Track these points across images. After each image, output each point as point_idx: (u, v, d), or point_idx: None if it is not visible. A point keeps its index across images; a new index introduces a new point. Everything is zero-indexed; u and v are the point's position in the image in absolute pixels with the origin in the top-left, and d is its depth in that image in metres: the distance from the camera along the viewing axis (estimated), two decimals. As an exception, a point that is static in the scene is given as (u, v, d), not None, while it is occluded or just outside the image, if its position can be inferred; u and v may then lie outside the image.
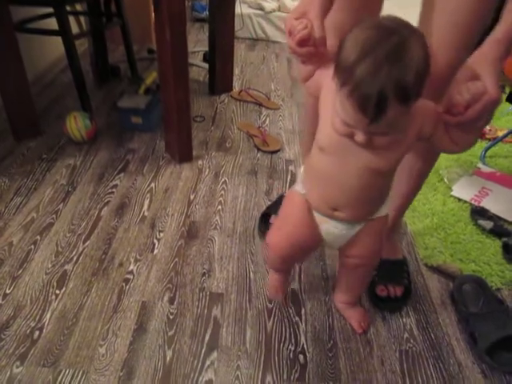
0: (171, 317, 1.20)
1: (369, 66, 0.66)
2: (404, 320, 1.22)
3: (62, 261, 1.36)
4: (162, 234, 1.47)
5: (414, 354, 1.14)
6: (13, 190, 1.64)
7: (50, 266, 1.34)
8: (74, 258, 1.36)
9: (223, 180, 1.73)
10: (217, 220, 1.54)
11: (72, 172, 1.75)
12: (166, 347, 1.12)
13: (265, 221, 1.48)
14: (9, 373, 1.06)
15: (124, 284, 1.28)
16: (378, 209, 0.97)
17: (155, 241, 1.44)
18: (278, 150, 1.94)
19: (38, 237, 1.44)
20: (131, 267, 1.34)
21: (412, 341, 1.17)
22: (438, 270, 1.37)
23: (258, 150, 1.93)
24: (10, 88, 1.82)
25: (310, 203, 0.98)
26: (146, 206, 1.58)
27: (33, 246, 1.41)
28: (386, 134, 0.77)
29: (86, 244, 1.42)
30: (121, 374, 1.06)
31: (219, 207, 1.60)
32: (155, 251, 1.40)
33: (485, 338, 1.13)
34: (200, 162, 1.83)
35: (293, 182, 1.73)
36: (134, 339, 1.13)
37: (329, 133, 0.83)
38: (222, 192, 1.67)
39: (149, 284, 1.28)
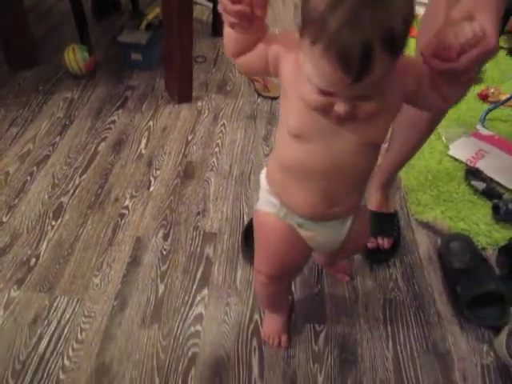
0: (164, 253, 1.23)
1: (345, 13, 0.54)
2: (390, 271, 1.26)
3: (59, 193, 1.37)
4: (158, 172, 1.47)
5: (397, 302, 1.18)
6: (8, 120, 1.63)
7: (46, 197, 1.35)
8: (71, 191, 1.38)
9: (222, 123, 1.72)
10: (213, 162, 1.54)
11: (69, 105, 1.73)
12: (159, 281, 1.16)
13: (247, 238, 1.26)
14: (7, 296, 1.10)
15: (119, 219, 1.30)
16: (364, 191, 0.86)
17: (151, 178, 1.45)
18: (278, 97, 1.91)
19: (35, 168, 1.45)
20: (127, 203, 1.35)
21: (396, 290, 1.21)
22: (427, 226, 1.40)
23: (259, 95, 1.90)
24: (6, 13, 1.76)
25: (289, 223, 0.83)
26: (143, 144, 1.58)
27: (29, 177, 1.41)
28: (371, 97, 0.64)
29: (83, 178, 1.42)
30: (114, 303, 1.10)
31: (216, 149, 1.60)
32: (151, 188, 1.41)
33: (466, 293, 1.17)
34: (199, 104, 1.81)
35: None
36: (128, 272, 1.17)
37: (301, 114, 0.69)
38: (220, 134, 1.67)
39: (144, 220, 1.31)
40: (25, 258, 1.18)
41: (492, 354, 1.09)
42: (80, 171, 1.45)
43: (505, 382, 1.05)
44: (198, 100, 1.83)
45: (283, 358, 1.04)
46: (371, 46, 0.54)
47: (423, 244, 1.35)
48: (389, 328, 1.12)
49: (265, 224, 0.86)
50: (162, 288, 1.14)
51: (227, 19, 0.66)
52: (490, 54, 0.64)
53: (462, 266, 1.23)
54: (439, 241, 1.34)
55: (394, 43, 0.56)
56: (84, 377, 0.97)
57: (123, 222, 1.29)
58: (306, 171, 0.75)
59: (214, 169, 1.52)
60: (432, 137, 1.72)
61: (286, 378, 1.01)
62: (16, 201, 1.33)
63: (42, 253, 1.20)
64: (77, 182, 1.41)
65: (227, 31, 0.69)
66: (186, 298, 1.13)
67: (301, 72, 0.64)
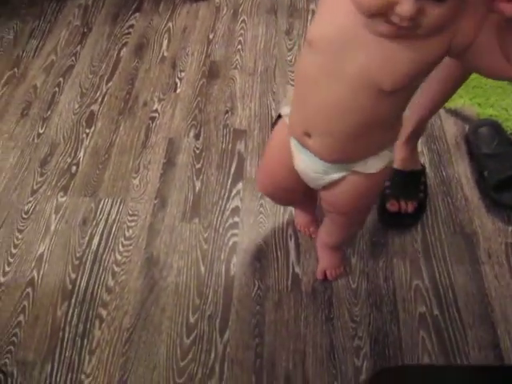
0: (197, 151, 1.27)
1: None
2: (419, 158, 1.27)
3: (88, 101, 1.39)
4: (183, 74, 1.47)
5: (425, 188, 1.21)
6: (27, 32, 1.61)
7: (76, 106, 1.38)
8: (99, 99, 1.40)
9: (242, 19, 1.67)
10: (237, 59, 1.52)
11: (85, 12, 1.68)
12: (195, 178, 1.21)
13: None
14: (55, 202, 1.17)
15: (150, 122, 1.33)
16: (363, 155, 0.73)
17: (177, 80, 1.45)
18: (299, -13, 1.82)
19: (61, 79, 1.46)
20: (155, 106, 1.37)
21: (423, 178, 1.23)
22: (455, 113, 1.38)
23: (278, -14, 1.81)
24: None
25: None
26: (164, 46, 1.55)
27: (57, 89, 1.43)
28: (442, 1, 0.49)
29: (109, 85, 1.43)
30: (155, 202, 1.16)
31: (239, 47, 1.56)
32: (178, 90, 1.42)
33: (493, 176, 1.19)
34: (217, 0, 1.74)
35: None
36: (165, 172, 1.22)
37: (330, 23, 0.60)
38: (242, 31, 1.62)
39: (174, 121, 1.33)
40: (66, 166, 1.24)
41: (517, 233, 1.14)
42: (106, 78, 1.45)
43: (527, 258, 1.10)
44: (215, -4, 1.76)
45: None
46: None
47: (451, 131, 1.35)
48: (417, 212, 1.17)
49: (277, 125, 0.84)
50: (198, 185, 1.20)
51: None
52: None
53: (489, 151, 1.23)
54: (467, 128, 1.33)
55: None
56: (136, 268, 1.06)
57: (154, 124, 1.32)
58: (301, 81, 0.70)
59: (238, 66, 1.50)
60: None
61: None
62: (48, 112, 1.37)
63: (80, 160, 1.25)
64: (104, 90, 1.42)
65: None
66: (222, 192, 1.19)
67: None
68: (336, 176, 0.76)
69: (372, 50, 0.57)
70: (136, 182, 1.20)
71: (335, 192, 0.80)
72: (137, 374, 0.94)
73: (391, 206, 1.14)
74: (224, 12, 1.69)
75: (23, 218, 1.15)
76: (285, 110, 0.80)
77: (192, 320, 1.00)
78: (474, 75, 1.46)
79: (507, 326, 1.01)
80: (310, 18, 1.68)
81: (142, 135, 1.30)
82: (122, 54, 1.53)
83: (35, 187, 1.21)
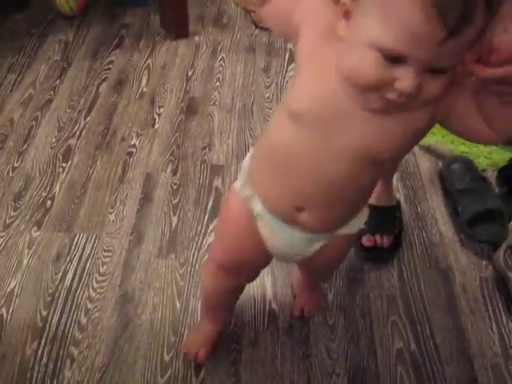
0: (175, 187, 1.27)
1: None
2: (393, 194, 1.30)
3: (66, 136, 1.39)
4: (161, 110, 1.48)
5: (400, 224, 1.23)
6: (5, 67, 1.61)
7: (53, 140, 1.38)
8: (77, 133, 1.40)
9: (221, 57, 1.70)
10: (216, 96, 1.54)
11: (65, 48, 1.70)
12: (172, 214, 1.21)
13: None
14: (28, 236, 1.15)
15: (127, 157, 1.33)
16: (351, 218, 0.72)
17: (155, 116, 1.46)
18: (276, 27, 1.88)
19: (39, 113, 1.46)
20: (133, 141, 1.38)
21: (398, 213, 1.25)
22: (429, 150, 1.42)
23: (256, 26, 1.86)
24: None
25: (251, 209, 0.71)
26: (144, 82, 1.57)
27: (34, 122, 1.43)
28: (442, 74, 0.50)
29: (87, 119, 1.44)
30: (131, 237, 1.15)
31: (217, 83, 1.59)
32: (156, 126, 1.43)
33: (466, 211, 1.21)
34: (197, 38, 1.78)
35: (292, 61, 1.70)
36: (141, 207, 1.21)
37: (315, 94, 0.57)
38: (220, 69, 1.65)
39: (151, 157, 1.34)
40: (41, 200, 1.23)
41: (490, 267, 1.15)
42: (84, 113, 1.46)
43: (501, 292, 1.11)
44: (195, 35, 1.80)
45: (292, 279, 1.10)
46: None
47: (425, 167, 1.38)
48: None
49: (228, 201, 0.77)
50: (175, 220, 1.19)
51: None
52: None
53: (462, 186, 1.26)
54: (440, 164, 1.37)
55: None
56: (110, 305, 1.04)
57: (131, 159, 1.33)
58: (285, 157, 0.64)
59: (217, 103, 1.52)
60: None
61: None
62: (25, 146, 1.36)
63: (56, 194, 1.24)
64: (82, 125, 1.42)
65: None
66: (199, 228, 1.18)
67: (334, 40, 0.53)
68: (318, 246, 0.73)
69: (364, 124, 0.56)
70: (112, 217, 1.19)
71: (315, 261, 0.76)
72: (108, 417, 0.90)
73: (367, 241, 1.15)
74: (203, 50, 1.73)
75: (-6, 254, 1.12)
76: (238, 184, 0.73)
77: (167, 358, 0.97)
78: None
79: (484, 360, 1.01)
80: (287, 56, 1.73)
81: (119, 170, 1.30)
82: (101, 89, 1.54)
83: (8, 221, 1.18)
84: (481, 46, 0.48)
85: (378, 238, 1.15)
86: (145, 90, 1.55)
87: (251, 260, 0.79)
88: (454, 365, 1.00)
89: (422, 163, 1.39)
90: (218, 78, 1.61)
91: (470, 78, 0.53)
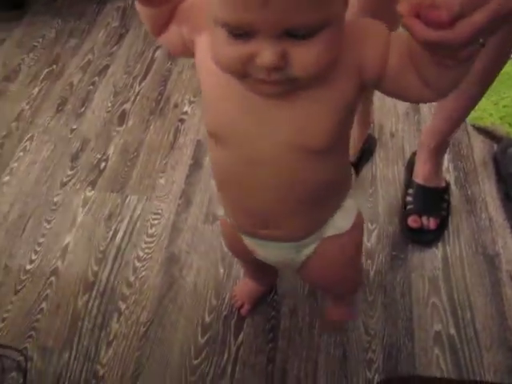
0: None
1: None
2: (444, 175, 1.27)
3: (121, 100, 1.43)
4: (214, 79, 1.50)
5: (449, 206, 1.20)
6: (66, 31, 1.67)
7: (109, 105, 1.42)
8: (132, 98, 1.44)
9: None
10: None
11: (123, 14, 1.74)
12: (220, 182, 1.23)
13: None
14: (83, 195, 1.21)
15: (179, 123, 1.36)
16: (329, 214, 0.65)
17: None
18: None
19: (96, 78, 1.51)
20: (186, 108, 1.40)
21: (446, 196, 1.22)
22: (484, 132, 1.37)
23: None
24: None
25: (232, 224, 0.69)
26: (198, 51, 1.59)
27: (92, 87, 1.48)
28: (310, 39, 0.42)
29: (142, 85, 1.47)
30: (179, 201, 1.19)
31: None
32: None
33: (519, 197, 1.18)
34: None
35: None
36: (191, 173, 1.25)
37: (219, 107, 0.53)
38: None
39: (203, 124, 1.35)
40: (95, 162, 1.28)
41: (542, 257, 1.12)
42: (139, 79, 1.49)
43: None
44: None
45: (336, 253, 1.11)
46: None
47: (478, 149, 1.33)
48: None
49: (221, 227, 0.78)
50: (222, 189, 1.22)
51: None
52: (509, 16, 0.37)
53: None
54: (495, 147, 1.32)
55: None
56: (156, 266, 1.09)
57: (183, 126, 1.35)
58: (226, 179, 0.60)
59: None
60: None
61: (339, 270, 1.08)
62: (82, 109, 1.41)
63: (110, 156, 1.29)
64: (137, 90, 1.46)
65: (137, 7, 0.53)
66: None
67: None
68: (308, 251, 0.68)
69: (275, 115, 0.50)
70: (162, 181, 1.23)
71: (315, 266, 0.70)
72: (151, 369, 0.96)
73: (413, 221, 1.13)
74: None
75: (51, 210, 1.19)
76: (220, 211, 0.71)
77: (208, 320, 1.01)
78: (505, 93, 1.46)
79: (526, 351, 0.99)
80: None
81: (171, 136, 1.33)
82: (156, 55, 1.57)
83: (65, 180, 1.25)
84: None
85: (424, 219, 1.13)
86: (199, 58, 1.57)
87: (259, 265, 0.78)
88: (493, 352, 0.99)
89: (476, 145, 1.34)
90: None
91: (400, 33, 0.45)
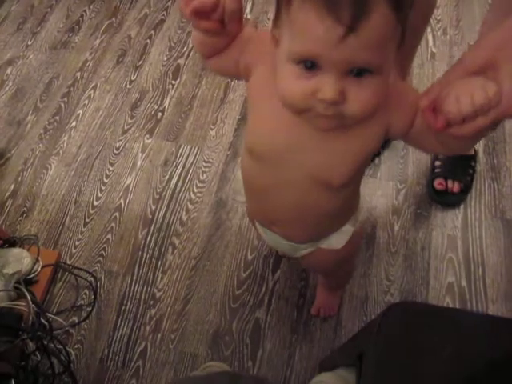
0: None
1: None
2: (473, 142, 1.36)
3: (175, 55, 1.55)
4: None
5: (474, 172, 1.30)
6: (123, -16, 1.75)
7: (165, 59, 1.54)
8: (186, 54, 1.55)
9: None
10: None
11: (177, -32, 1.81)
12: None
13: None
14: (142, 142, 1.36)
15: (229, 80, 1.47)
16: (326, 234, 0.77)
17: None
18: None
19: (152, 32, 1.61)
20: (236, 67, 1.51)
21: (473, 163, 1.29)
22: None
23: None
24: None
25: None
26: (248, 9, 1.65)
27: (148, 40, 1.59)
28: (371, 71, 0.48)
29: (196, 42, 1.57)
30: (228, 152, 1.33)
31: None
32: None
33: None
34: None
35: None
36: (238, 127, 1.37)
37: (264, 130, 0.61)
38: None
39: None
40: (153, 112, 1.42)
41: (557, 225, 1.22)
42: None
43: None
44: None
45: (367, 208, 1.24)
46: None
47: (510, 121, 1.40)
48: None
49: None
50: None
51: (193, 23, 0.54)
52: (507, 118, 0.48)
53: None
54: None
55: None
56: (207, 208, 1.24)
57: (233, 82, 1.46)
58: (250, 184, 0.72)
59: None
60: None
61: (367, 223, 1.21)
62: (140, 62, 1.53)
63: (166, 108, 1.42)
64: (190, 46, 1.56)
65: (193, 32, 0.59)
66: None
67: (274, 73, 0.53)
68: (304, 252, 0.81)
69: (312, 148, 0.59)
70: (213, 133, 1.36)
71: (310, 261, 0.86)
72: (199, 295, 1.13)
73: (438, 184, 1.23)
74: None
75: (114, 154, 1.35)
76: (242, 198, 0.86)
77: (250, 258, 1.17)
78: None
79: (528, 305, 1.12)
80: None
81: (222, 91, 1.45)
82: (209, 13, 1.65)
83: (126, 127, 1.39)
84: (438, 101, 0.50)
85: (449, 182, 1.23)
86: (249, 16, 1.65)
87: None
88: (498, 304, 1.11)
89: (509, 116, 1.41)
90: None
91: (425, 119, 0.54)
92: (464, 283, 1.15)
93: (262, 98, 0.59)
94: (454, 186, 1.23)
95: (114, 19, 1.65)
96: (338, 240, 0.78)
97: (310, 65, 0.48)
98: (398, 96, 0.56)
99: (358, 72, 0.48)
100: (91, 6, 1.69)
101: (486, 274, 1.15)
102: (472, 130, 0.49)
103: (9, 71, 1.53)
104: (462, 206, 1.25)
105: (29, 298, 1.03)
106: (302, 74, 0.49)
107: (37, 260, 1.10)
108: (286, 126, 0.57)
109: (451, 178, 1.23)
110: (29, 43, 1.60)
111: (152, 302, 1.12)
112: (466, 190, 1.25)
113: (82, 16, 1.67)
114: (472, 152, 1.28)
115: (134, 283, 1.15)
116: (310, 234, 0.76)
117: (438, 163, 1.26)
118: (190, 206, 1.25)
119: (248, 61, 0.59)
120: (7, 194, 1.29)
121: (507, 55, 0.47)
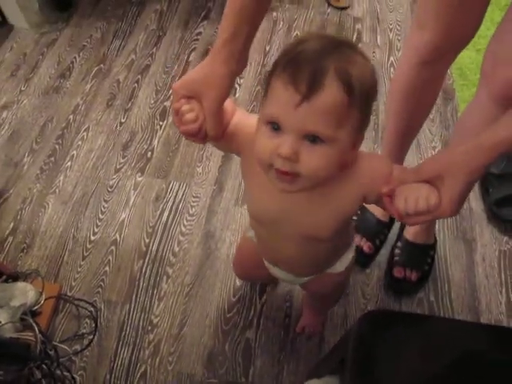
0: (251, 151, 1.54)
1: (315, 45, 0.57)
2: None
3: (162, 98, 1.68)
4: (241, 81, 1.73)
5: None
6: (111, 32, 1.88)
7: (152, 101, 1.67)
8: (171, 97, 1.64)
9: (295, 34, 1.91)
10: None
11: (160, 17, 1.95)
12: (247, 173, 1.48)
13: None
14: (134, 180, 1.47)
15: (214, 122, 1.60)
16: (326, 267, 0.89)
17: (236, 86, 1.70)
18: (348, 7, 2.03)
19: (139, 76, 1.74)
20: (219, 109, 1.64)
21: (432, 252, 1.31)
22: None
23: (329, 4, 2.03)
24: None
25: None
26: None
27: (136, 85, 1.72)
28: (323, 140, 0.57)
29: (180, 86, 1.71)
30: (214, 187, 1.45)
31: (291, 62, 1.81)
32: (236, 95, 1.69)
33: (497, 192, 1.39)
34: (274, 14, 1.98)
35: (358, 40, 1.88)
36: (223, 163, 1.50)
37: (259, 205, 0.74)
38: (294, 47, 1.86)
39: (233, 124, 1.60)
40: (143, 152, 1.53)
41: (511, 243, 1.36)
42: (177, 79, 1.71)
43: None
44: (273, 10, 1.99)
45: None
46: (325, 68, 0.54)
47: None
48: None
49: (245, 243, 1.02)
50: (249, 178, 1.47)
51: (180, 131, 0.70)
52: (442, 218, 0.64)
53: (497, 171, 1.42)
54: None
55: (350, 82, 0.55)
56: (197, 239, 1.35)
57: (217, 124, 1.59)
58: (257, 232, 0.87)
59: (289, 80, 1.74)
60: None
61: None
62: (129, 105, 1.66)
63: (155, 147, 1.54)
64: (175, 89, 1.69)
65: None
66: (269, 186, 1.46)
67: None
68: (307, 279, 0.92)
69: (299, 212, 0.70)
70: (199, 169, 1.48)
71: (312, 286, 0.96)
72: (194, 319, 1.23)
73: (397, 272, 1.26)
74: (280, 26, 1.94)
75: (108, 191, 1.45)
76: (250, 233, 0.94)
77: (238, 284, 1.28)
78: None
79: (489, 316, 1.25)
80: (355, 37, 1.90)
81: (206, 132, 1.57)
82: (191, 58, 1.80)
83: (118, 166, 1.50)
84: (394, 185, 0.63)
85: (408, 271, 1.25)
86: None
87: (264, 277, 1.03)
88: (463, 315, 1.24)
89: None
90: (292, 55, 1.82)
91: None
92: (432, 298, 1.27)
93: (252, 175, 0.71)
94: (412, 275, 1.26)
95: (102, 65, 1.77)
96: (340, 266, 0.89)
97: (276, 127, 0.58)
98: (372, 171, 0.66)
99: (313, 138, 0.57)
100: (81, 53, 1.81)
101: (452, 290, 1.29)
102: (414, 222, 0.64)
103: (4, 115, 1.63)
104: (427, 229, 1.38)
105: (36, 328, 1.11)
106: (271, 134, 0.59)
107: (41, 293, 1.19)
108: (276, 196, 0.67)
109: (409, 267, 1.26)
110: (22, 88, 1.70)
111: (150, 328, 1.21)
112: (423, 278, 1.28)
113: (72, 62, 1.78)
114: (431, 241, 1.31)
115: (132, 311, 1.24)
116: (312, 271, 0.89)
117: (397, 251, 1.29)
118: (181, 238, 1.35)
119: (236, 147, 0.71)
120: (7, 231, 1.37)
121: (451, 173, 0.60)
